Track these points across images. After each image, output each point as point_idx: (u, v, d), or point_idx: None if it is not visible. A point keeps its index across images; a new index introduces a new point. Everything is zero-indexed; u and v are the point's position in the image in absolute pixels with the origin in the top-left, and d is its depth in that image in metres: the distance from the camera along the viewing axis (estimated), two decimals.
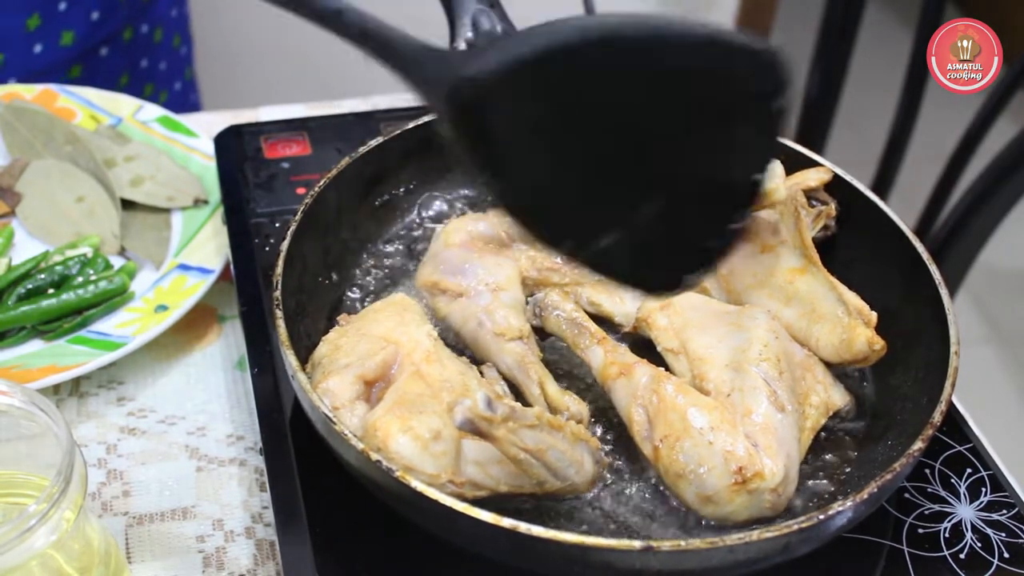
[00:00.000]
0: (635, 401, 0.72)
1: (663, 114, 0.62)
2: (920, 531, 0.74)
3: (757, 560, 0.64)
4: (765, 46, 0.60)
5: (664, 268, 0.68)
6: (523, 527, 0.61)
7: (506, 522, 0.61)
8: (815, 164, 0.89)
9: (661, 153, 0.64)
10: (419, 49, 0.62)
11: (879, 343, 0.76)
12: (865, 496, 0.64)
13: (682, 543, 0.61)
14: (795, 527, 0.62)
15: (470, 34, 0.83)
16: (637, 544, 0.60)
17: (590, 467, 0.70)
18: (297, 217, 0.81)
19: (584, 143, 0.63)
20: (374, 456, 0.64)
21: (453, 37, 0.83)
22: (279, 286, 0.75)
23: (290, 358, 0.71)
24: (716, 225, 0.67)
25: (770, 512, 0.69)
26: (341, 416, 0.71)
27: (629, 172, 0.65)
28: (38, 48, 1.23)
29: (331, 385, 0.73)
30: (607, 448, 0.76)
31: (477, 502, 0.64)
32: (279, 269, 0.76)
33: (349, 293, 0.88)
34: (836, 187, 0.88)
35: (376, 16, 0.63)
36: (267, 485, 0.75)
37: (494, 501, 0.70)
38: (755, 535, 0.61)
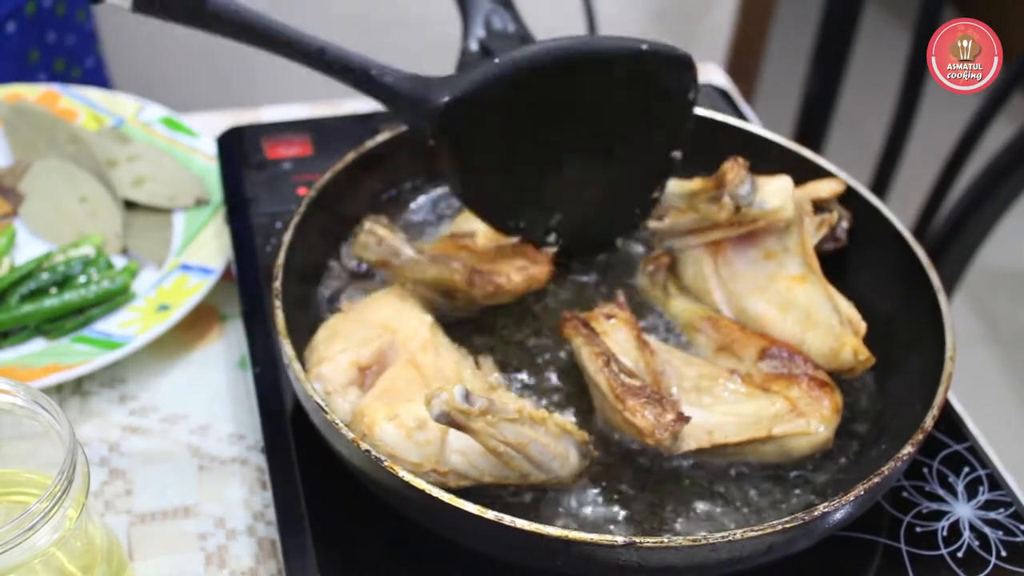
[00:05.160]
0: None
1: (601, 108, 0.80)
2: (918, 530, 0.74)
3: (741, 559, 0.64)
4: (681, 52, 0.79)
5: (597, 237, 0.89)
6: (507, 519, 0.61)
7: (490, 514, 0.61)
8: (814, 165, 0.89)
9: (600, 140, 0.82)
10: (401, 79, 0.76)
11: (865, 354, 0.76)
12: (851, 498, 0.64)
13: (664, 539, 0.61)
14: (779, 527, 0.62)
15: (482, 33, 0.85)
16: (619, 539, 0.60)
17: (575, 460, 0.70)
18: (301, 209, 0.81)
19: (537, 139, 0.80)
20: (364, 446, 0.65)
21: (466, 35, 0.83)
22: (280, 276, 0.75)
23: (286, 347, 0.71)
24: (642, 197, 0.87)
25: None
26: (333, 401, 0.72)
27: (574, 160, 0.82)
28: None
29: (324, 370, 0.74)
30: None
31: (463, 492, 0.65)
32: (280, 260, 0.77)
33: (352, 286, 0.88)
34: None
35: (357, 52, 0.76)
36: (269, 484, 0.75)
37: (489, 491, 0.70)
38: (739, 534, 0.61)
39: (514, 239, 0.86)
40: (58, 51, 1.40)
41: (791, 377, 0.76)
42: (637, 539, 0.60)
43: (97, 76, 1.49)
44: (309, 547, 0.70)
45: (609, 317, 0.79)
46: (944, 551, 0.73)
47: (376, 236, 0.80)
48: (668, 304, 0.86)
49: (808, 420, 0.73)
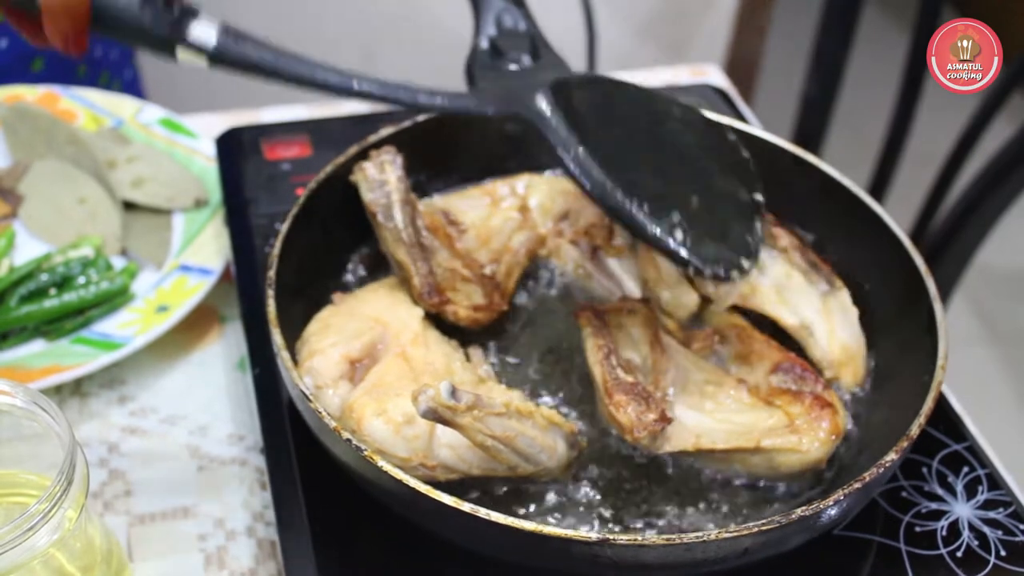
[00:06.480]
0: None
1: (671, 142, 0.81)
2: (917, 529, 0.74)
3: (716, 560, 0.63)
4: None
5: (716, 251, 0.76)
6: (482, 512, 0.61)
7: (466, 506, 0.61)
8: (811, 165, 0.89)
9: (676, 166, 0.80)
10: (490, 83, 0.79)
11: None
12: (830, 503, 0.63)
13: (638, 538, 0.61)
14: (754, 529, 0.61)
15: (493, 31, 0.85)
16: (593, 535, 0.60)
17: (563, 452, 0.70)
18: (300, 202, 0.81)
19: (630, 140, 0.78)
20: (345, 435, 0.65)
21: (477, 33, 0.84)
22: (275, 265, 0.75)
23: (275, 336, 0.71)
24: (744, 224, 0.79)
25: None
26: (324, 395, 0.72)
27: (670, 173, 0.79)
28: (3, 43, 1.24)
29: (316, 363, 0.74)
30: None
31: (452, 484, 0.64)
32: (276, 249, 0.77)
33: (348, 279, 0.88)
34: (833, 191, 0.88)
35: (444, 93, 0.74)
36: (268, 484, 0.75)
37: (479, 484, 0.70)
38: (713, 534, 0.61)
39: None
40: (104, 64, 1.40)
41: (796, 393, 0.76)
42: (611, 536, 0.60)
43: (134, 88, 1.50)
44: (309, 547, 0.70)
45: (629, 311, 0.79)
46: (943, 551, 0.73)
47: (383, 177, 0.78)
48: (705, 308, 0.85)
49: (801, 438, 0.72)
